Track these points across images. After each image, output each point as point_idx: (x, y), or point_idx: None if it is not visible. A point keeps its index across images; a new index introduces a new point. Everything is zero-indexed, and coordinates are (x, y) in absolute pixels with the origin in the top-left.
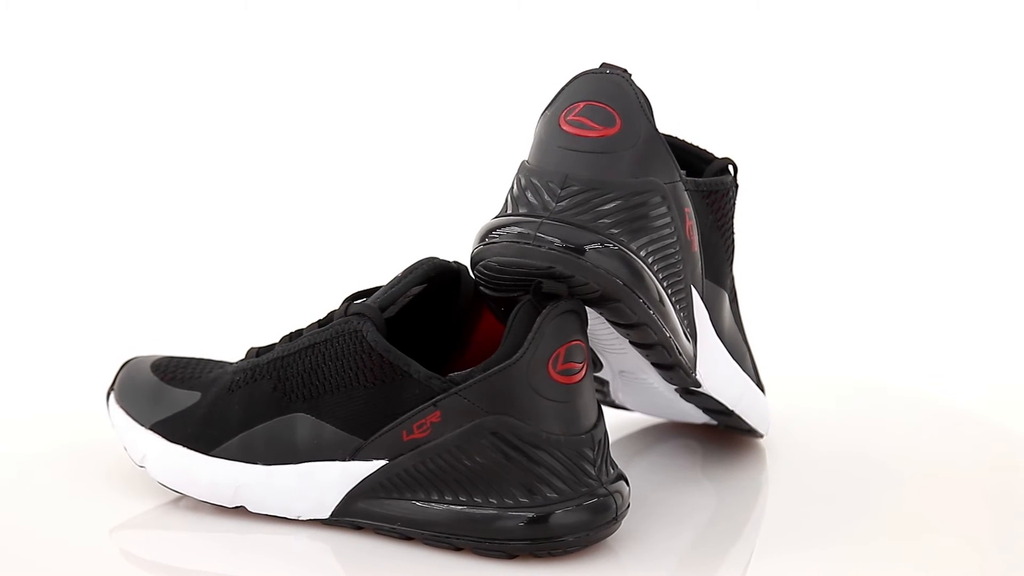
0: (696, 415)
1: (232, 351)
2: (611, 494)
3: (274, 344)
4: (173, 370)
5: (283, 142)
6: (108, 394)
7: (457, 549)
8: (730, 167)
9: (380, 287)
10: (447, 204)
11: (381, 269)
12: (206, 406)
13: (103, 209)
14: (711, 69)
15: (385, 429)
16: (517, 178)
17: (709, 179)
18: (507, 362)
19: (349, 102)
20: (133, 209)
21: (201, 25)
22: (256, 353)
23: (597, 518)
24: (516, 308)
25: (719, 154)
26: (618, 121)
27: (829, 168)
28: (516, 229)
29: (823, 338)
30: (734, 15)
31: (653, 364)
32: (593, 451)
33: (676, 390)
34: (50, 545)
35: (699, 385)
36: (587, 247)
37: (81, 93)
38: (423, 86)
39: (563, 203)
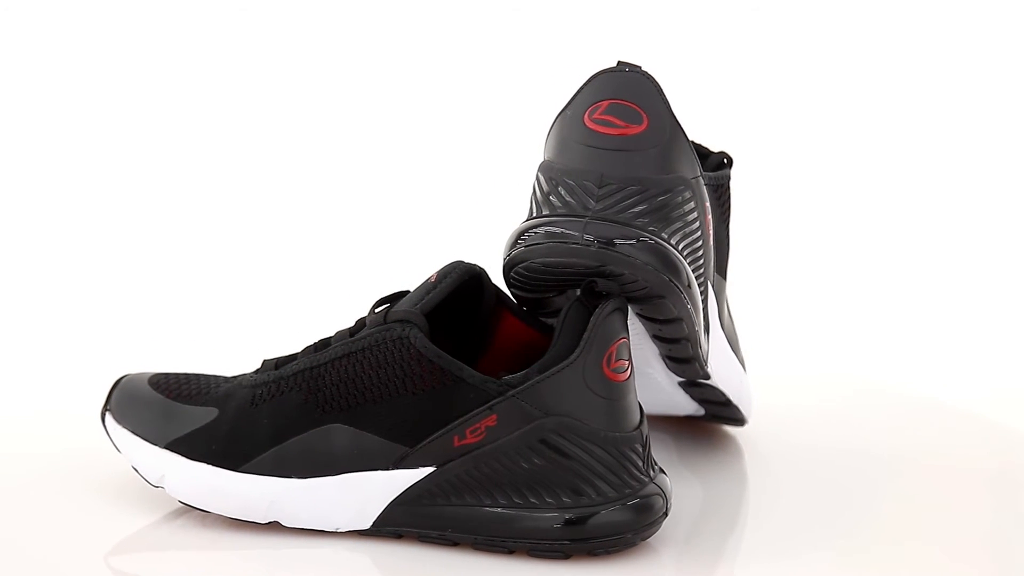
0: (687, 407)
1: (221, 356)
2: (661, 489)
3: (294, 355)
4: (176, 387)
5: (264, 146)
6: (103, 414)
7: (509, 552)
8: (724, 160)
9: (402, 292)
10: (434, 208)
11: (368, 275)
12: (228, 422)
13: (86, 214)
14: (697, 65)
15: (434, 436)
16: (546, 178)
17: (717, 173)
18: (565, 363)
19: (341, 106)
20: (118, 215)
21: (230, 32)
22: (275, 365)
23: (650, 514)
24: (566, 308)
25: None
26: (645, 119)
27: (826, 164)
28: (559, 229)
29: (818, 336)
30: (723, 11)
31: (669, 358)
32: (642, 448)
33: (680, 383)
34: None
35: (708, 377)
36: (634, 244)
37: (84, 95)
38: (414, 90)
39: (603, 202)
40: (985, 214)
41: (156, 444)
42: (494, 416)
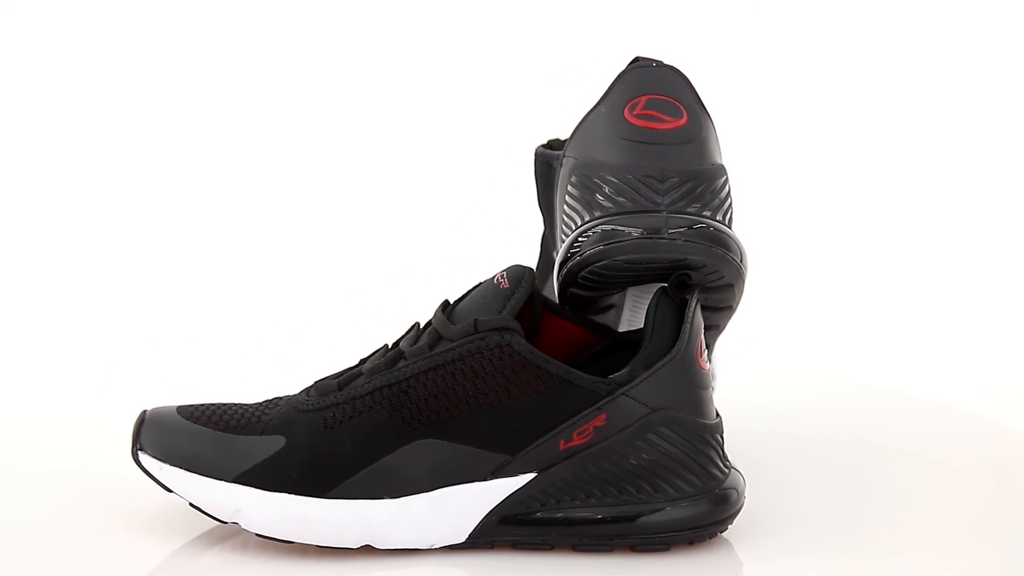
0: None
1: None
2: (739, 473)
3: (354, 372)
4: (218, 418)
5: (258, 148)
6: (135, 454)
7: (609, 551)
8: None
9: (446, 302)
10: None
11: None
12: (304, 448)
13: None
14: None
15: (539, 441)
16: (594, 176)
17: None
18: (669, 357)
19: (333, 109)
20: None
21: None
22: (338, 386)
23: (739, 499)
24: (653, 303)
25: None
26: (684, 112)
27: (823, 161)
28: (635, 227)
29: (818, 336)
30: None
31: None
32: (721, 436)
33: None
34: None
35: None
36: (712, 235)
37: (107, 101)
38: (405, 93)
39: (669, 196)
40: (982, 212)
41: (223, 479)
42: (603, 416)
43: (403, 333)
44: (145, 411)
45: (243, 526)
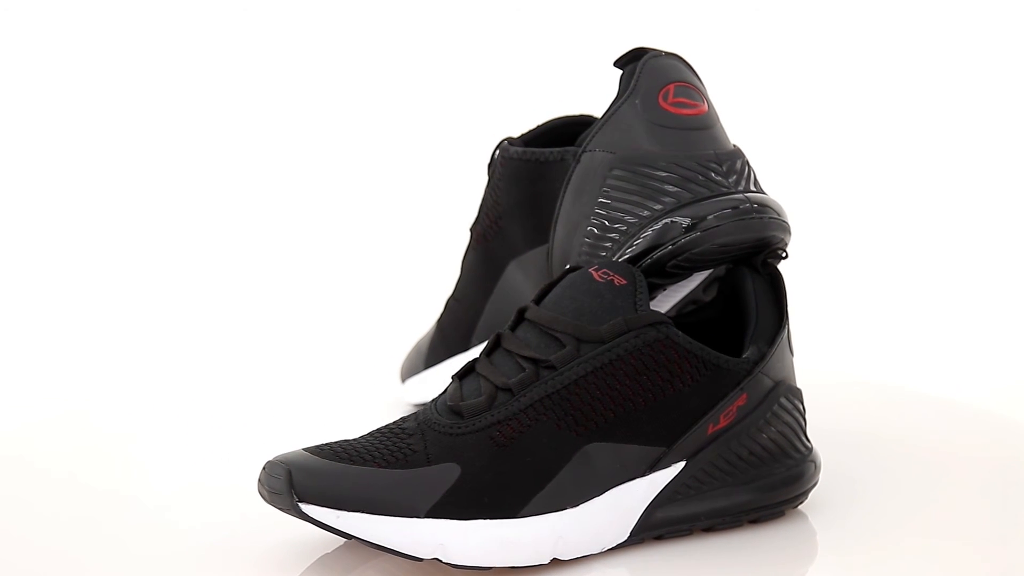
0: None
1: None
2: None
3: (488, 389)
4: (370, 454)
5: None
6: (299, 507)
7: (739, 525)
8: None
9: (523, 308)
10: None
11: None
12: (484, 471)
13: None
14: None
15: (693, 429)
16: (655, 167)
17: None
18: (784, 330)
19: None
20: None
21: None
22: (488, 403)
23: (818, 468)
24: (750, 282)
25: None
26: (703, 97)
27: (825, 163)
28: (723, 210)
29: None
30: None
31: None
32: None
33: None
34: None
35: None
36: (782, 213)
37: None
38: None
39: (730, 177)
40: (983, 212)
41: (414, 516)
42: (744, 395)
43: (490, 344)
44: (280, 462)
45: (444, 560)
